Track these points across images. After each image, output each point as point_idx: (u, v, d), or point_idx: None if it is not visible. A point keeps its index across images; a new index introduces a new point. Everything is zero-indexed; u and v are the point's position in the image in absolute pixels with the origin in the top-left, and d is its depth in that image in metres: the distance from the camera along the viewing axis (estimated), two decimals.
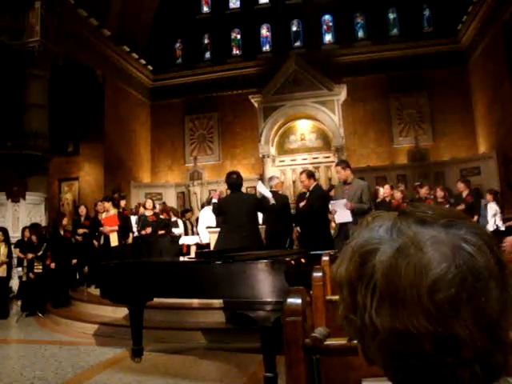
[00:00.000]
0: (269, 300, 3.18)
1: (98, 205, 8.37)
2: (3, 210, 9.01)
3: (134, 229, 8.48)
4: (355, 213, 5.13)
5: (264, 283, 3.25)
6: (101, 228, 7.44)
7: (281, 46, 15.29)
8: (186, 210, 11.26)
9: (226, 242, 4.77)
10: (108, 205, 7.47)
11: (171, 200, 14.19)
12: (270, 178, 7.00)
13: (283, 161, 14.14)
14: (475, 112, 13.71)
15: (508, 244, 3.01)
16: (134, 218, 8.90)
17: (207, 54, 16.20)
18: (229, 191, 5.51)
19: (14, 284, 7.34)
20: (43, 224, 8.79)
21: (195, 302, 5.41)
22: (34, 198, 9.40)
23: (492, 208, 6.71)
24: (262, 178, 12.04)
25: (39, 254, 7.15)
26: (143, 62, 15.34)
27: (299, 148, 14.10)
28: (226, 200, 5.33)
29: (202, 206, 9.60)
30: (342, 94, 13.30)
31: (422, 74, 14.05)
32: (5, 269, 7.02)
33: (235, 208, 4.85)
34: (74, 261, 7.74)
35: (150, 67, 15.78)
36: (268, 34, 15.84)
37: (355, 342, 0.52)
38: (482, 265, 0.44)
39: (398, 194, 7.84)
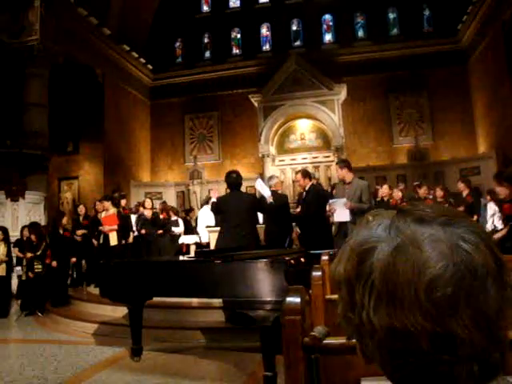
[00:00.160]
0: (268, 299, 3.17)
1: (97, 204, 8.37)
2: (2, 209, 8.99)
3: (134, 228, 8.50)
4: (355, 212, 5.13)
5: (263, 282, 3.25)
6: (100, 227, 7.45)
7: (281, 46, 15.29)
8: (190, 209, 11.33)
9: (225, 242, 4.78)
10: (107, 204, 7.47)
11: (171, 199, 14.19)
12: (270, 178, 6.99)
13: (283, 160, 14.15)
14: (475, 112, 13.71)
15: None
16: (133, 218, 8.90)
17: (207, 54, 16.20)
18: (228, 190, 5.50)
19: (13, 283, 7.32)
20: (43, 223, 8.77)
21: (195, 301, 5.41)
22: (33, 197, 9.38)
23: (491, 208, 6.69)
24: (262, 177, 12.04)
25: (38, 253, 7.14)
26: (143, 61, 15.32)
27: (299, 147, 14.11)
28: (225, 199, 5.31)
29: (201, 206, 9.63)
30: (341, 93, 13.30)
31: (422, 74, 14.05)
32: (4, 268, 7.02)
33: (234, 207, 4.84)
34: (73, 259, 7.76)
35: (150, 66, 15.77)
36: (268, 33, 15.84)
37: (354, 340, 0.52)
38: (479, 263, 0.44)
39: (397, 194, 7.83)
